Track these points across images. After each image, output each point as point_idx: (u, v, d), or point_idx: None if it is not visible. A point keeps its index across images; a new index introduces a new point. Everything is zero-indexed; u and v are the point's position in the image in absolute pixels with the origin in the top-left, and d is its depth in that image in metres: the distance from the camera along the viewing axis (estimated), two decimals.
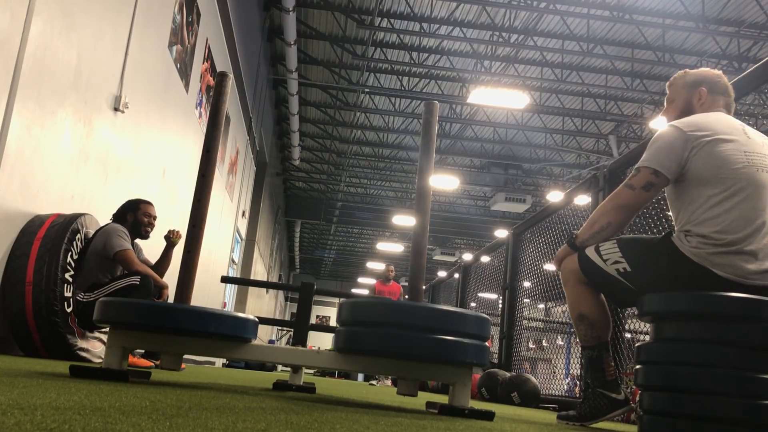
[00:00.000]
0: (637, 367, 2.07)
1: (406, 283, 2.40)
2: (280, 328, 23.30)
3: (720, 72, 2.43)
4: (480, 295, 8.54)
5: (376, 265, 28.50)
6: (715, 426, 1.83)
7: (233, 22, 8.68)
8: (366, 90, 13.86)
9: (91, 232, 3.88)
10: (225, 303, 11.85)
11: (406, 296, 7.64)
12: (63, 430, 0.74)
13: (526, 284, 6.57)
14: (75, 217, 3.71)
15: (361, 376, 17.66)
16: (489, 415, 1.94)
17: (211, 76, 7.73)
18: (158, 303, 2.45)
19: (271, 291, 21.33)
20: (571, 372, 7.18)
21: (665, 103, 2.51)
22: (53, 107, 3.67)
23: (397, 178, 19.27)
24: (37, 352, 3.41)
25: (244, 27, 9.68)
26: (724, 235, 2.07)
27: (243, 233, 13.33)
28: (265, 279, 17.37)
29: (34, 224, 3.51)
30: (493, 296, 8.15)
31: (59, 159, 3.85)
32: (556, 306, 6.53)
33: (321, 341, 27.20)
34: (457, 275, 9.55)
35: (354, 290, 28.37)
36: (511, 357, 6.37)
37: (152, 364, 3.81)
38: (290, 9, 9.36)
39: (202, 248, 2.27)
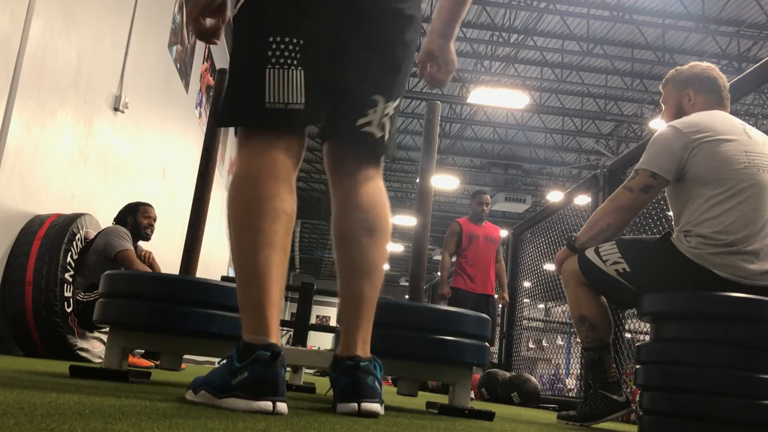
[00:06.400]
0: (637, 367, 2.07)
1: (407, 281, 2.39)
2: (280, 328, 23.28)
3: (708, 65, 2.39)
4: None
5: None
6: (715, 426, 1.83)
7: None
8: None
9: (92, 232, 3.89)
10: None
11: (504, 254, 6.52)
12: (63, 430, 0.74)
13: (526, 284, 6.57)
14: (75, 218, 3.71)
15: None
16: (489, 415, 1.94)
17: (211, 76, 7.73)
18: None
19: None
20: (571, 372, 7.18)
21: (662, 104, 2.50)
22: (53, 107, 3.67)
23: (397, 178, 19.25)
24: (37, 352, 3.41)
25: None
26: (724, 235, 2.07)
27: None
28: None
29: (34, 224, 3.51)
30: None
31: (59, 159, 3.85)
32: (556, 306, 6.52)
33: (321, 341, 27.17)
34: None
35: None
36: (511, 357, 6.37)
37: (152, 364, 3.81)
38: None
39: (202, 248, 2.27)
